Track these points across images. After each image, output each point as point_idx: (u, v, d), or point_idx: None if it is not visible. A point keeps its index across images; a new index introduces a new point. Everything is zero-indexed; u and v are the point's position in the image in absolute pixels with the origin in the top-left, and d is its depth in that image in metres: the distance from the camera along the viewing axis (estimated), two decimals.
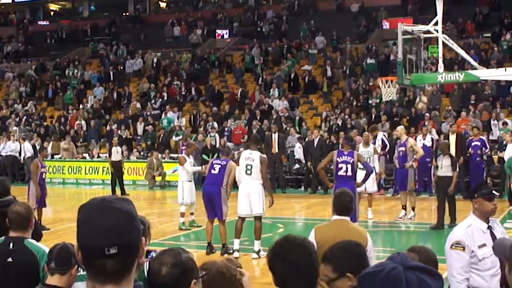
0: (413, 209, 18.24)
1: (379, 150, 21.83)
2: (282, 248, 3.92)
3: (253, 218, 13.73)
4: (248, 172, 13.58)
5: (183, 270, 3.36)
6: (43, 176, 17.87)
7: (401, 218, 18.25)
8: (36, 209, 16.66)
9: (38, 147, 31.96)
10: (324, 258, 4.08)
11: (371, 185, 17.81)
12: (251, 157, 13.67)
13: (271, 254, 3.95)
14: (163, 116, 33.89)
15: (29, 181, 18.59)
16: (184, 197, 17.31)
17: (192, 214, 17.70)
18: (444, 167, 17.00)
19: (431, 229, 16.98)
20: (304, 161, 26.93)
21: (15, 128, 35.53)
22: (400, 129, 19.43)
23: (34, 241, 6.22)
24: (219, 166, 14.11)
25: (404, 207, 18.32)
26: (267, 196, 13.83)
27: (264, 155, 14.22)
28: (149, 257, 4.30)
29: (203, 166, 17.79)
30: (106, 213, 2.58)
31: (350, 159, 13.99)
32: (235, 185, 14.51)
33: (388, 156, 23.47)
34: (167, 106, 34.60)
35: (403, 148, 18.25)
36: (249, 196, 13.53)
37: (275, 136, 26.23)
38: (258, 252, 13.37)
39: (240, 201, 13.75)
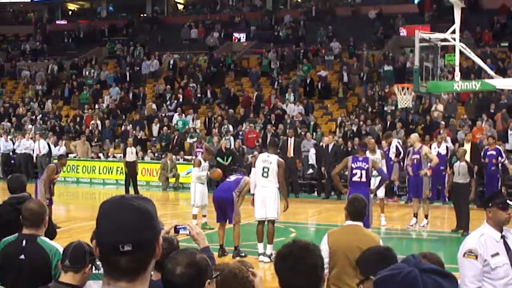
0: (426, 217, 18.16)
1: (393, 157, 21.78)
2: (289, 251, 3.93)
3: (266, 222, 13.73)
4: (265, 174, 13.58)
5: (198, 270, 3.38)
6: (54, 181, 17.84)
7: (412, 225, 18.19)
8: (48, 206, 16.67)
9: (56, 148, 32.21)
10: (356, 261, 4.17)
11: (380, 190, 17.76)
12: (269, 160, 13.68)
13: (277, 257, 3.97)
14: (177, 117, 33.94)
15: (36, 179, 18.52)
16: (196, 199, 17.36)
17: (204, 216, 17.73)
18: (461, 173, 16.99)
19: (452, 232, 17.09)
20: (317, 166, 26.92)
21: (30, 126, 35.73)
22: (414, 136, 19.34)
23: (47, 239, 6.23)
24: (235, 177, 14.33)
25: (416, 215, 18.26)
26: (282, 200, 13.84)
27: (282, 160, 14.19)
28: (178, 231, 4.32)
29: (209, 172, 17.66)
30: (123, 210, 2.60)
31: (364, 165, 14.00)
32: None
33: (401, 163, 23.41)
34: (178, 108, 34.74)
35: (417, 156, 18.17)
36: (265, 199, 13.55)
37: (291, 141, 26.22)
38: (270, 256, 13.37)
39: (256, 204, 13.76)
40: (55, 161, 20.38)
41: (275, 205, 13.60)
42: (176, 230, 4.53)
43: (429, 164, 18.20)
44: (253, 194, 13.91)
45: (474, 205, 19.04)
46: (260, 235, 13.75)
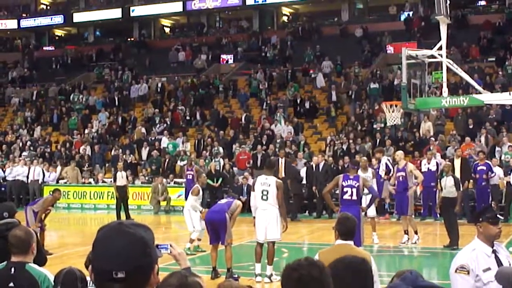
0: (416, 232, 18.15)
1: (383, 174, 21.79)
2: (296, 265, 3.72)
3: (266, 243, 13.71)
4: (264, 197, 13.50)
5: None
6: (47, 213, 17.83)
7: (404, 243, 18.17)
8: (40, 233, 16.66)
9: (47, 174, 32.13)
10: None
11: (371, 209, 17.73)
12: (267, 182, 13.57)
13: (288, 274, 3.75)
14: (167, 140, 33.90)
15: (26, 206, 18.40)
16: (195, 224, 17.29)
17: (199, 240, 17.67)
18: (447, 187, 17.05)
19: (444, 247, 17.08)
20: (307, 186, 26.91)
21: (25, 153, 35.64)
22: (400, 153, 19.33)
23: (35, 266, 6.19)
24: (227, 200, 14.40)
25: (406, 232, 18.25)
26: (282, 221, 13.83)
27: (280, 181, 14.15)
28: (159, 250, 4.29)
29: (203, 212, 17.52)
30: (118, 237, 2.60)
31: (355, 183, 14.08)
32: (250, 211, 14.48)
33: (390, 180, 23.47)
34: (165, 132, 34.82)
35: (402, 173, 18.20)
36: (266, 222, 13.48)
37: (282, 161, 26.19)
38: (270, 277, 13.35)
39: (257, 227, 13.68)
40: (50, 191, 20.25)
41: (276, 227, 13.55)
42: (158, 249, 4.51)
43: (415, 181, 18.23)
44: (254, 217, 13.90)
45: (465, 220, 19.07)
46: (258, 256, 13.69)
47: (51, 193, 18.70)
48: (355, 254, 6.90)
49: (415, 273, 2.67)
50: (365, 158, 20.10)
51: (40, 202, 17.85)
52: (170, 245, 4.02)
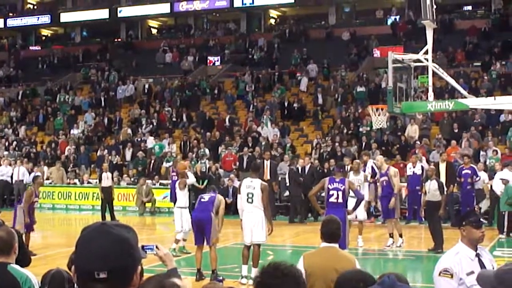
0: (400, 236, 18.20)
1: (368, 177, 21.83)
2: (269, 277, 3.80)
3: (252, 245, 13.73)
4: (250, 200, 13.54)
5: None
6: (34, 206, 17.80)
7: (389, 246, 18.21)
8: (25, 233, 16.63)
9: (31, 174, 31.96)
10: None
11: (361, 213, 17.77)
12: (252, 185, 13.62)
13: (257, 282, 3.85)
14: (153, 142, 33.84)
15: (15, 205, 18.42)
16: (183, 224, 17.27)
17: (184, 240, 17.64)
18: (431, 191, 17.07)
19: (429, 251, 17.10)
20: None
21: (5, 153, 35.46)
22: (380, 158, 19.39)
23: (17, 267, 6.14)
24: (209, 196, 14.29)
25: (391, 235, 18.30)
26: (267, 223, 13.85)
27: (265, 183, 14.18)
28: (145, 251, 4.27)
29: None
30: (101, 238, 2.60)
31: (341, 186, 14.15)
32: (236, 213, 14.49)
33: (377, 184, 23.50)
34: (149, 133, 34.75)
35: (385, 178, 18.27)
36: (252, 225, 13.52)
37: (267, 163, 26.20)
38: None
39: (244, 229, 13.73)
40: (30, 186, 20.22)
41: (262, 229, 13.58)
42: (144, 250, 4.50)
43: (394, 191, 18.18)
44: (241, 220, 13.93)
45: (449, 224, 19.11)
46: (245, 259, 13.73)
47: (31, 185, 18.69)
48: (341, 256, 6.94)
49: (392, 277, 2.67)
50: (357, 160, 20.06)
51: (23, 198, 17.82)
52: (156, 246, 4.02)
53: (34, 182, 18.70)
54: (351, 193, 14.78)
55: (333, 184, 14.28)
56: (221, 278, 13.64)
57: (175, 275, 3.76)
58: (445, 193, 17.66)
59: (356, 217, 17.56)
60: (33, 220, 17.58)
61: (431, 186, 17.19)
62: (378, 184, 19.62)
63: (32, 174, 31.72)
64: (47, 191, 31.13)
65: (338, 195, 14.16)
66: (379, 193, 18.79)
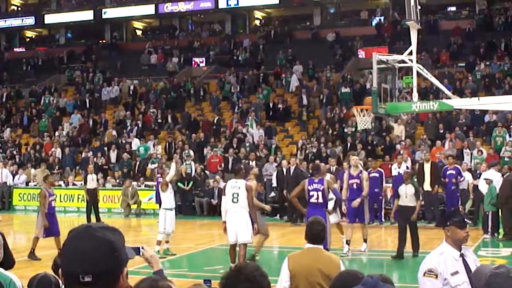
0: (365, 241, 17.90)
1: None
2: (232, 280, 3.84)
3: (239, 246, 13.86)
4: (235, 200, 13.95)
5: None
6: (53, 205, 17.65)
7: (364, 251, 17.93)
8: (42, 238, 17.03)
9: (16, 176, 31.83)
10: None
11: (332, 215, 17.37)
12: (237, 185, 14.07)
13: (221, 285, 3.87)
14: (138, 143, 33.79)
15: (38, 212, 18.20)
16: (166, 226, 17.25)
17: (167, 242, 17.61)
18: (408, 196, 16.77)
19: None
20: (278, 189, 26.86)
21: None
22: (355, 159, 18.56)
23: (1, 269, 6.13)
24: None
25: (365, 240, 18.01)
26: (254, 223, 14.03)
27: (250, 183, 14.44)
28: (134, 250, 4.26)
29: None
30: (86, 241, 2.59)
31: (320, 187, 14.50)
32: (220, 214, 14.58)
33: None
34: (131, 134, 34.74)
35: (356, 180, 17.69)
36: (236, 224, 13.77)
37: (252, 164, 26.25)
38: None
39: (228, 228, 14.05)
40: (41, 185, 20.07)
41: (247, 229, 13.84)
42: (134, 249, 4.48)
43: (362, 194, 17.73)
44: (225, 222, 14.03)
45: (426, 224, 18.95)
46: (232, 257, 14.08)
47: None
48: (326, 257, 6.96)
49: (376, 278, 2.68)
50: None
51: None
52: (142, 248, 4.02)
53: (45, 182, 18.53)
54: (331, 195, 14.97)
55: (312, 185, 14.64)
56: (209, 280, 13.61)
57: (161, 277, 3.75)
58: (420, 198, 17.41)
59: (341, 218, 17.55)
60: (56, 222, 17.52)
61: (407, 191, 16.84)
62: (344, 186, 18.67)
63: (19, 178, 31.69)
64: (32, 193, 31.00)
65: (318, 195, 14.52)
66: (347, 196, 18.00)
